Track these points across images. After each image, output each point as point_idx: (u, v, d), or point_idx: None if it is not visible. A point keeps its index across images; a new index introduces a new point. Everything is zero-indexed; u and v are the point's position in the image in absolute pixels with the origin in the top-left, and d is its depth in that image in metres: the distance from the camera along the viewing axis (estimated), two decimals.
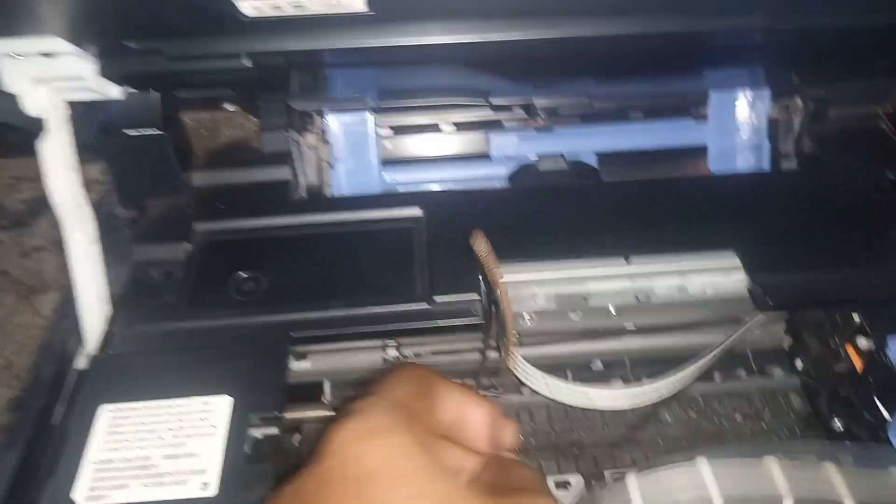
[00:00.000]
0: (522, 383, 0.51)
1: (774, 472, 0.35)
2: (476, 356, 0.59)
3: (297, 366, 0.59)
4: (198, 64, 0.45)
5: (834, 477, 0.35)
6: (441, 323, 0.48)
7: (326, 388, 0.59)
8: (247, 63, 0.44)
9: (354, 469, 0.28)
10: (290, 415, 0.58)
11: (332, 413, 0.58)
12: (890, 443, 0.45)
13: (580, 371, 0.59)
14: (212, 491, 0.39)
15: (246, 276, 0.50)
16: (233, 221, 0.54)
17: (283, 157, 0.58)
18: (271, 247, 0.52)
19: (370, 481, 0.28)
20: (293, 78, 0.55)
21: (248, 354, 0.45)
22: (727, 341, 0.52)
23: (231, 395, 0.43)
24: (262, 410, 0.43)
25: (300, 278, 0.50)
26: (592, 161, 0.63)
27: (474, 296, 0.48)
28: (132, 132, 0.53)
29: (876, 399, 0.46)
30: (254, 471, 0.40)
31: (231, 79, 0.50)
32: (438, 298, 0.48)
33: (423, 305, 0.48)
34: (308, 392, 0.59)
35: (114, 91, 0.49)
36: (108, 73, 0.47)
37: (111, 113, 0.53)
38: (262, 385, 0.44)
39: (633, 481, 0.34)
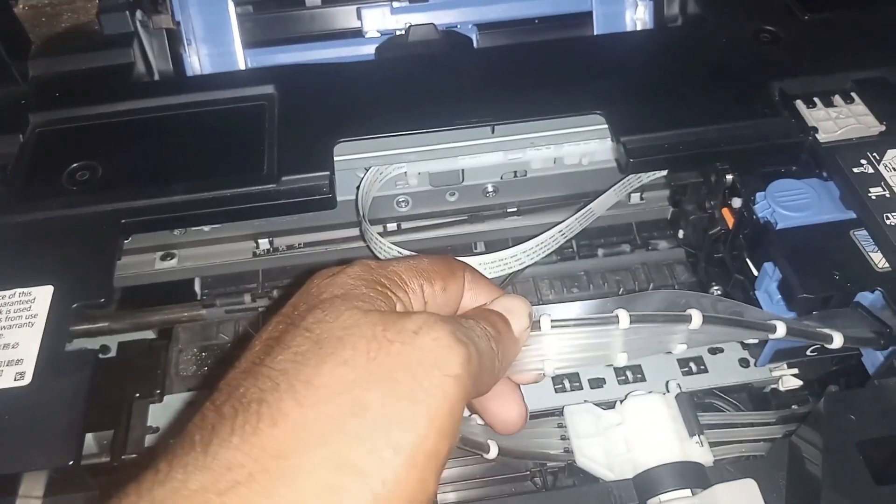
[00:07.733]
0: None
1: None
2: (347, 246, 0.57)
3: (164, 265, 0.56)
4: None
5: None
6: (285, 202, 0.44)
7: (197, 285, 0.57)
8: None
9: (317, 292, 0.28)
10: (163, 316, 0.56)
11: (204, 311, 0.56)
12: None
13: (463, 253, 0.57)
14: (26, 380, 0.37)
15: (80, 165, 0.46)
16: (71, 110, 0.50)
17: (124, 40, 0.53)
18: (112, 134, 0.48)
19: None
20: None
21: (73, 244, 0.42)
22: (587, 208, 0.49)
23: (52, 285, 0.40)
24: (86, 298, 0.40)
25: (139, 164, 0.47)
26: (473, 34, 0.59)
27: (324, 173, 0.45)
28: None
29: (746, 256, 0.45)
30: (73, 357, 0.38)
31: None
32: (286, 178, 0.45)
33: (270, 186, 0.45)
34: (179, 291, 0.57)
35: None
36: None
37: None
38: (87, 273, 0.41)
39: None
